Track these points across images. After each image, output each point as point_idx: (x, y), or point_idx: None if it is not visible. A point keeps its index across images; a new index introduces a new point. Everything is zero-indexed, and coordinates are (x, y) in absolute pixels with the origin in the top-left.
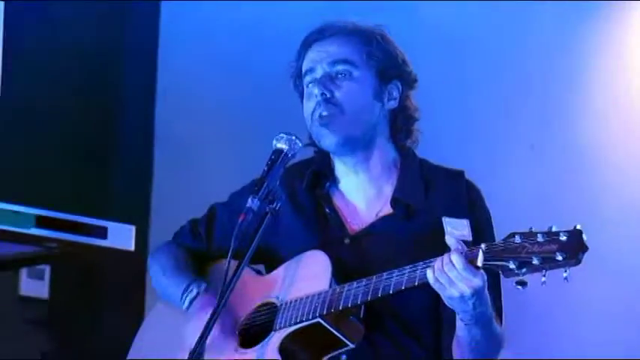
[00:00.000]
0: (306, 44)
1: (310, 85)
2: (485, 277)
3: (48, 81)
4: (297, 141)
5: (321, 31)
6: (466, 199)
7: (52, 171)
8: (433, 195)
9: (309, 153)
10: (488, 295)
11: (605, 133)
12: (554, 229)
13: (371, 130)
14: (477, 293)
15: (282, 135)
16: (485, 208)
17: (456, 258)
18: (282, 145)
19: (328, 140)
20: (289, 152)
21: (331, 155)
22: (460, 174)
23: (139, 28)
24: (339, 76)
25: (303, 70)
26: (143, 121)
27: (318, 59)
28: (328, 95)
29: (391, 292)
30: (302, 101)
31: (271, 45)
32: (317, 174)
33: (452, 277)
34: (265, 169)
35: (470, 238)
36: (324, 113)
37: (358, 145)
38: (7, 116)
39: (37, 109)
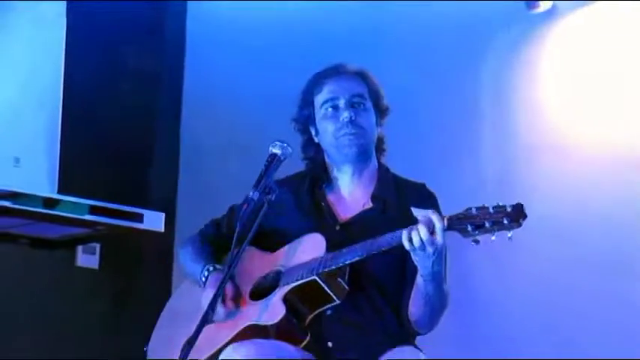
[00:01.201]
0: (322, 80)
1: (331, 109)
2: (445, 243)
3: (102, 96)
4: (288, 147)
5: (336, 70)
6: (428, 201)
7: (103, 171)
8: (403, 196)
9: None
10: (443, 258)
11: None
12: (501, 204)
13: (372, 148)
14: (437, 252)
15: (276, 142)
16: (440, 210)
17: (426, 223)
18: (276, 151)
19: (351, 150)
20: (282, 156)
21: (329, 164)
22: (423, 184)
23: (170, 55)
24: (356, 105)
25: (323, 99)
26: (171, 134)
27: (340, 91)
28: (354, 118)
29: (375, 251)
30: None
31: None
32: (315, 178)
33: (422, 235)
34: (263, 168)
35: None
36: (353, 131)
37: (366, 157)
38: (68, 126)
39: (92, 118)
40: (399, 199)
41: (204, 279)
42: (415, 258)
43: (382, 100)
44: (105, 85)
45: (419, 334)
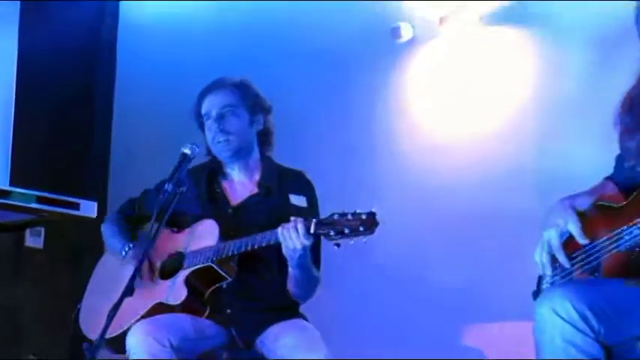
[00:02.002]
0: (203, 94)
1: (208, 121)
2: (312, 240)
3: (45, 100)
4: (196, 148)
5: (215, 84)
6: (305, 187)
7: (47, 165)
8: (284, 182)
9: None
10: (309, 251)
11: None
12: (358, 211)
13: (248, 145)
14: (304, 249)
15: (187, 144)
16: (315, 195)
17: (299, 225)
18: (186, 151)
19: (225, 154)
20: (191, 155)
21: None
22: (302, 172)
23: (103, 56)
24: (226, 115)
25: (203, 112)
26: (105, 135)
27: (213, 104)
28: (223, 127)
29: (256, 247)
30: (201, 128)
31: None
32: (212, 170)
33: (293, 236)
34: (176, 165)
35: (306, 205)
36: (223, 138)
37: (243, 155)
38: (18, 127)
39: (38, 120)
40: (280, 185)
41: (123, 255)
42: (284, 251)
43: (260, 103)
44: (47, 89)
45: (299, 304)
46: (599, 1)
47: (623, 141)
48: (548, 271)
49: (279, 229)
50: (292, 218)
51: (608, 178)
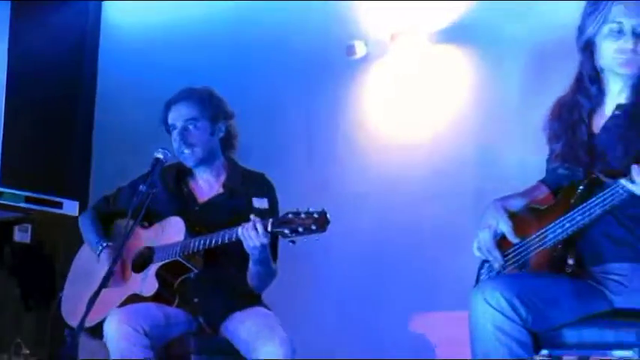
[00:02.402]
0: (168, 106)
1: (174, 132)
2: (269, 237)
3: (30, 104)
4: (168, 152)
5: (179, 96)
6: (266, 189)
7: (34, 167)
8: (247, 184)
9: None
10: (268, 247)
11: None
12: (310, 210)
13: (212, 151)
14: (262, 246)
15: (159, 149)
16: (276, 196)
17: (258, 225)
18: (159, 155)
19: (190, 163)
20: (163, 159)
21: None
22: (263, 174)
23: (86, 59)
24: (188, 127)
25: (169, 124)
26: (86, 140)
27: (176, 117)
28: (185, 139)
29: (220, 243)
30: (169, 134)
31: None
32: (180, 170)
33: (252, 235)
34: (150, 168)
35: (267, 207)
36: (186, 150)
37: (207, 161)
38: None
39: (25, 125)
40: (243, 187)
41: (98, 252)
42: (246, 248)
43: (222, 111)
44: (34, 93)
45: (258, 293)
46: (536, 19)
47: (550, 145)
48: (484, 270)
49: (240, 229)
50: (252, 217)
51: (541, 181)
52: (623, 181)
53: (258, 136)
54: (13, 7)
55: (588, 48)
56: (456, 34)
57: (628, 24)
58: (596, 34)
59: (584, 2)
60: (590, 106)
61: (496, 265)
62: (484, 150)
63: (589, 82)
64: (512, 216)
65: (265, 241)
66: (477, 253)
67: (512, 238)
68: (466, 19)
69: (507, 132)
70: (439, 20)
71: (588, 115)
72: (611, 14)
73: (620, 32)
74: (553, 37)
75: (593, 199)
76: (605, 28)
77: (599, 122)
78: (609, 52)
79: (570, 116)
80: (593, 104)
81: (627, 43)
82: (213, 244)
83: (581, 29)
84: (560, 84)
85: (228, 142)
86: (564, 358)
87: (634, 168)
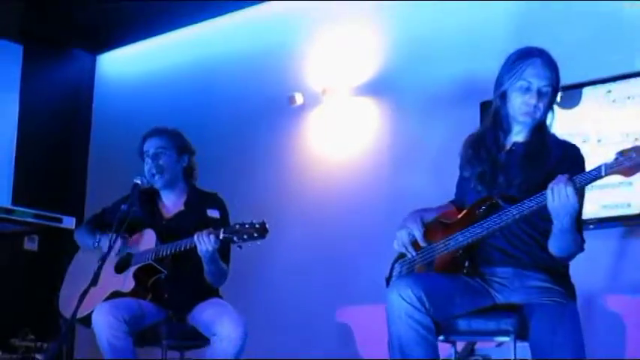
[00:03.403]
0: (144, 138)
1: (147, 158)
2: (219, 244)
3: (35, 134)
4: (144, 178)
5: (154, 130)
6: (218, 204)
7: (39, 187)
8: (203, 202)
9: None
10: (218, 251)
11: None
12: (253, 221)
13: (176, 176)
14: (213, 250)
15: (137, 176)
16: (226, 209)
17: (210, 234)
18: (137, 181)
19: (158, 185)
20: (140, 184)
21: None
22: (215, 193)
23: (82, 99)
24: (159, 154)
25: (144, 150)
26: (82, 165)
27: (149, 147)
28: (156, 163)
29: (182, 249)
30: (143, 161)
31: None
32: (153, 192)
33: (205, 241)
34: (130, 192)
35: (218, 217)
36: (156, 174)
37: (172, 184)
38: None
39: (32, 153)
40: (200, 203)
41: (96, 244)
42: (199, 251)
43: (186, 147)
44: (41, 128)
45: (217, 288)
46: (428, 74)
47: (462, 170)
48: (397, 264)
49: (195, 236)
50: (205, 230)
51: (450, 201)
52: (514, 207)
53: (223, 159)
54: (24, 55)
55: (503, 97)
56: (370, 88)
57: (536, 84)
58: (510, 88)
59: (465, 61)
60: (498, 142)
61: (409, 256)
62: (394, 178)
63: (501, 122)
64: (426, 225)
65: (215, 246)
66: (396, 247)
67: (422, 242)
68: (377, 77)
69: (410, 164)
70: (357, 78)
71: (497, 149)
72: (525, 74)
73: (529, 89)
74: (443, 88)
75: (491, 218)
76: (518, 84)
77: (502, 155)
78: (517, 103)
79: (482, 149)
80: (501, 140)
81: (532, 99)
82: (177, 250)
83: (499, 82)
84: (448, 123)
85: (189, 171)
86: (457, 342)
87: (562, 182)
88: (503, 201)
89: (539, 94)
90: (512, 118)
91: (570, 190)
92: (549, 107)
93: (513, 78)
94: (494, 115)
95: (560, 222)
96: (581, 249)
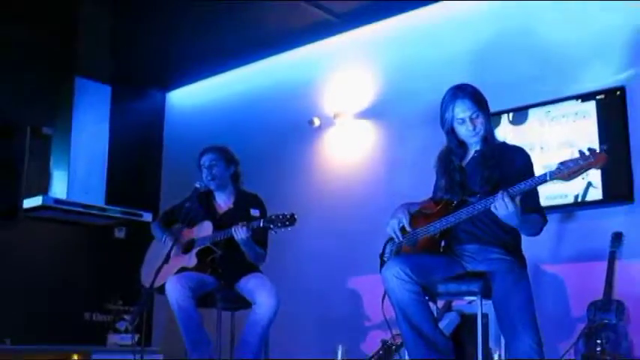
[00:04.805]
0: (200, 153)
1: (204, 168)
2: (250, 233)
3: (122, 152)
4: (203, 183)
5: (207, 148)
6: (258, 203)
7: (125, 188)
8: (247, 202)
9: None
10: (250, 238)
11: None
12: (285, 213)
13: (226, 182)
14: (247, 238)
15: (197, 182)
16: (264, 207)
17: (244, 226)
18: (197, 185)
19: (212, 187)
20: (199, 188)
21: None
22: (256, 195)
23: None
24: (213, 165)
25: (201, 163)
26: (157, 170)
27: (205, 161)
28: (210, 172)
29: (229, 236)
30: (200, 171)
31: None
32: (208, 195)
33: (240, 232)
34: (191, 193)
35: (258, 214)
36: (210, 180)
37: (222, 188)
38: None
39: (120, 165)
40: (244, 202)
41: (163, 240)
42: (236, 238)
43: (232, 159)
44: (124, 148)
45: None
46: (419, 100)
47: (437, 179)
48: (388, 245)
49: (233, 228)
50: (240, 223)
51: (430, 198)
52: (480, 203)
53: (261, 168)
54: (112, 93)
55: (450, 130)
56: (369, 113)
57: (465, 116)
58: (452, 123)
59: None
60: (459, 157)
61: (396, 240)
62: (388, 181)
63: (455, 146)
64: (412, 214)
65: (248, 235)
66: (389, 231)
67: (408, 228)
68: (374, 104)
69: (400, 170)
70: (359, 105)
71: (459, 160)
72: (455, 112)
73: (463, 121)
74: (423, 111)
75: (460, 210)
76: (455, 121)
77: (465, 163)
78: (461, 132)
79: (447, 162)
80: (460, 155)
81: (469, 126)
82: (227, 237)
83: (442, 120)
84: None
85: (236, 177)
86: (438, 301)
87: (501, 196)
88: (469, 197)
89: (472, 120)
90: (464, 140)
91: (507, 200)
92: (488, 121)
93: (450, 118)
94: (449, 141)
95: (512, 223)
96: (544, 222)
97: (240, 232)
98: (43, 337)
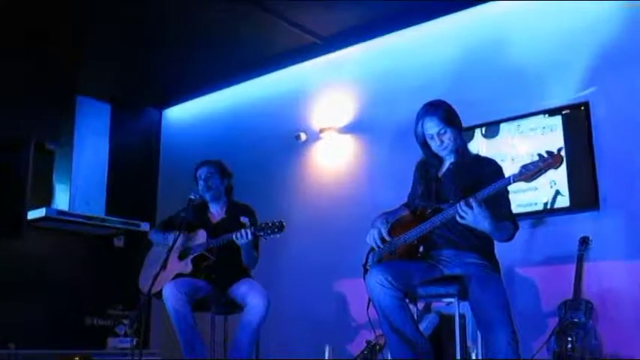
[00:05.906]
0: (197, 167)
1: (200, 181)
2: (252, 237)
3: (119, 168)
4: (197, 194)
5: (204, 163)
6: (249, 212)
7: (124, 200)
8: (238, 211)
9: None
10: (251, 242)
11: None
12: (275, 221)
13: (220, 193)
14: (248, 242)
15: (192, 193)
16: (255, 216)
17: (248, 230)
18: (192, 196)
19: (207, 197)
20: (194, 199)
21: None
22: (247, 205)
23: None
24: (209, 178)
25: (197, 175)
26: (153, 183)
27: (201, 174)
28: (206, 184)
29: (225, 242)
30: (196, 183)
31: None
32: (203, 206)
33: (243, 236)
34: (186, 204)
35: (248, 222)
36: (207, 191)
37: (216, 199)
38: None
39: (118, 181)
40: (236, 213)
41: (163, 239)
42: (238, 243)
43: (227, 172)
44: (123, 162)
45: (249, 271)
46: (398, 114)
47: (413, 187)
48: (370, 254)
49: (237, 233)
50: (242, 229)
51: (404, 205)
52: (451, 209)
53: (251, 180)
54: (111, 111)
55: (423, 143)
56: (352, 128)
57: (434, 132)
58: (424, 138)
59: (416, 105)
60: (435, 167)
61: (377, 250)
62: (370, 191)
63: (429, 157)
64: (391, 223)
65: (250, 238)
66: (369, 242)
67: (387, 237)
68: (356, 119)
69: (381, 181)
70: (342, 120)
71: (436, 171)
72: (425, 127)
73: (432, 137)
74: (402, 125)
75: (437, 216)
76: (426, 137)
77: (440, 174)
78: (434, 146)
79: (424, 172)
80: (436, 165)
81: (439, 141)
82: (221, 244)
83: (415, 133)
84: (406, 151)
85: (229, 189)
86: (418, 303)
87: (459, 205)
88: (443, 205)
89: (439, 135)
90: (436, 153)
91: (474, 206)
92: (458, 135)
93: (421, 132)
94: (424, 154)
95: (482, 228)
96: (515, 229)
97: (244, 236)
98: (46, 341)
